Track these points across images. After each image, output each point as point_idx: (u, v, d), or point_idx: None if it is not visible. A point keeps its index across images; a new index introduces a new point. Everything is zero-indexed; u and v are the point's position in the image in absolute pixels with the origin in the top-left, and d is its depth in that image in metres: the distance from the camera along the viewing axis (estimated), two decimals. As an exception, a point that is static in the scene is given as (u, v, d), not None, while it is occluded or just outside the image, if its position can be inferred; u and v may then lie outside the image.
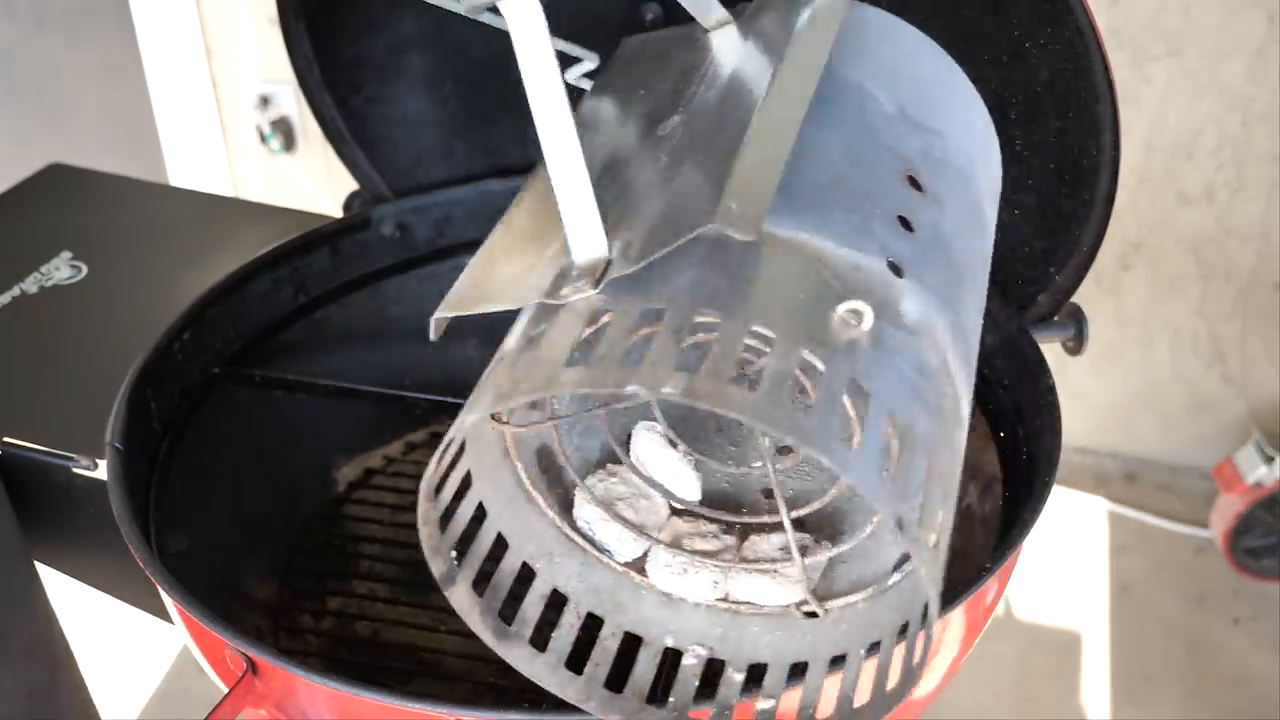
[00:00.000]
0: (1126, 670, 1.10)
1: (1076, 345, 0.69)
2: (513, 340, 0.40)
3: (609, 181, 0.42)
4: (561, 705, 0.51)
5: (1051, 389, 0.59)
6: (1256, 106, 1.04)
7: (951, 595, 0.46)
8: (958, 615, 0.48)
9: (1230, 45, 1.01)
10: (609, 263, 0.36)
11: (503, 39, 0.37)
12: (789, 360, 0.33)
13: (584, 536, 0.46)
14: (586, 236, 0.37)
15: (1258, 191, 1.09)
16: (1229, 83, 1.03)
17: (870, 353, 0.35)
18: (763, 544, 0.47)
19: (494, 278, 0.41)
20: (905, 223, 0.40)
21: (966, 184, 0.46)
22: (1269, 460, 1.13)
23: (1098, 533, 1.26)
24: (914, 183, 0.42)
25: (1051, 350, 0.66)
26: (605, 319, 0.36)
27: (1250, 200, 1.09)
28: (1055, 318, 0.71)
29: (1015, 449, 0.62)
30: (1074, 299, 0.70)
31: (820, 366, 0.34)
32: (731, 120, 0.40)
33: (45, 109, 1.63)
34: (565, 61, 0.41)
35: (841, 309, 0.35)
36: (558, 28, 0.38)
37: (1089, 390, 1.28)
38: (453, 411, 0.40)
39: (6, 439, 0.61)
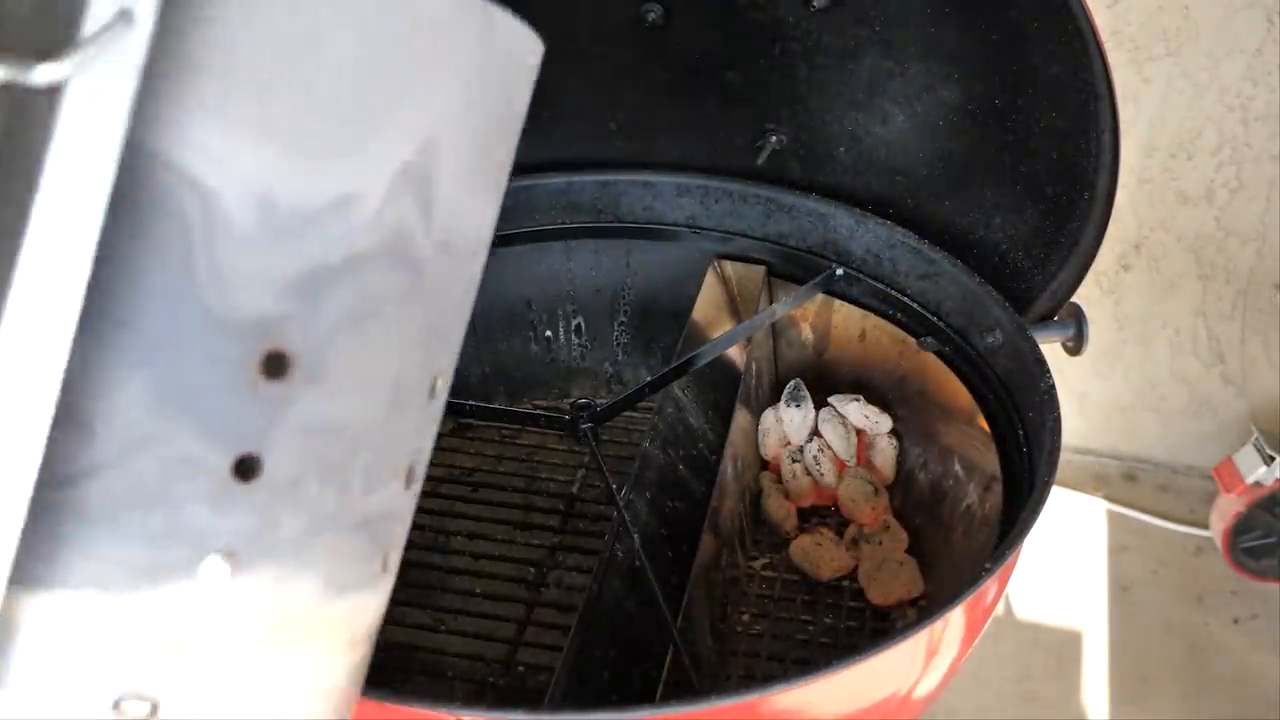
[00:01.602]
0: (1126, 670, 1.09)
1: (1076, 345, 0.69)
2: None
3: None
4: (562, 705, 0.51)
5: (1051, 389, 0.59)
6: (1256, 106, 1.04)
7: (952, 595, 0.46)
8: (958, 615, 0.48)
9: (1230, 45, 1.01)
10: None
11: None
12: None
13: None
14: None
15: (1258, 191, 1.09)
16: (1229, 83, 1.03)
17: None
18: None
19: None
20: (245, 467, 0.27)
21: (420, 225, 0.30)
22: (1269, 460, 1.13)
23: (1097, 533, 1.26)
24: (272, 366, 0.27)
25: (1051, 350, 0.66)
26: None
27: (1250, 200, 1.09)
28: (1055, 318, 0.71)
29: (1015, 449, 0.62)
30: (1074, 299, 0.70)
31: None
32: None
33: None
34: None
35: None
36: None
37: (1089, 390, 1.28)
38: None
39: None
